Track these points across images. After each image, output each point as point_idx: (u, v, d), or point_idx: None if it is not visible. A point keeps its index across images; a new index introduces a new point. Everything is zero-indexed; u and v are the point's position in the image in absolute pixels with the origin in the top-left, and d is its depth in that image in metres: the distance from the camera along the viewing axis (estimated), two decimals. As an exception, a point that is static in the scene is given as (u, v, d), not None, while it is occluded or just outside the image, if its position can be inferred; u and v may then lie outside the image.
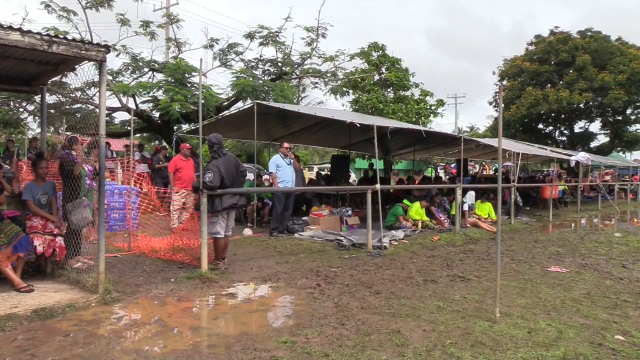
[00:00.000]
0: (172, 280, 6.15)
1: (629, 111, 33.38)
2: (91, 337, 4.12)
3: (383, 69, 23.09)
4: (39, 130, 8.82)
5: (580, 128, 35.83)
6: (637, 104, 32.34)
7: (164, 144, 17.27)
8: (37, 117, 15.14)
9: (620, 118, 33.49)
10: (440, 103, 23.79)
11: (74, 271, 5.82)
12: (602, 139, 36.14)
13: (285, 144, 10.51)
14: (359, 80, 21.97)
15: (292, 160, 10.30)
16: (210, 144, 6.86)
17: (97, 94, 5.63)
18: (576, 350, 3.99)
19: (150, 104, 16.28)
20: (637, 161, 33.15)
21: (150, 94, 15.74)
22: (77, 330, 4.29)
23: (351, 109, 22.40)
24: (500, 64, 36.16)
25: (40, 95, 6.70)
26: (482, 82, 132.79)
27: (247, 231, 10.27)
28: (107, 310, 4.88)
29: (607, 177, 27.02)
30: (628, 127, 34.17)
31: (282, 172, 10.04)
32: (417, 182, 18.83)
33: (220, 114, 14.22)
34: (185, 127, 16.38)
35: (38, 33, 4.64)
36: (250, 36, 17.18)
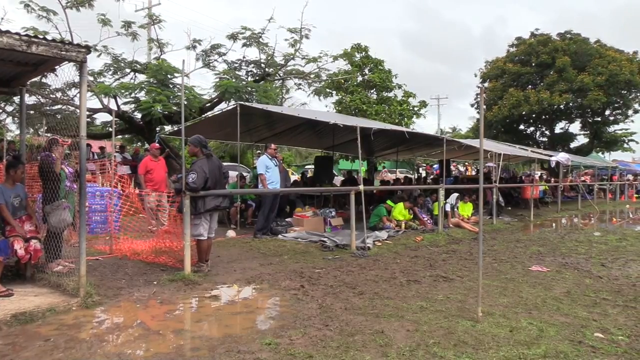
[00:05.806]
0: (155, 282, 6.10)
1: (607, 112, 34.03)
2: (72, 342, 4.06)
3: (366, 70, 23.23)
4: (18, 132, 8.66)
5: (560, 129, 36.44)
6: (616, 105, 32.96)
7: (147, 145, 17.08)
8: (16, 119, 14.87)
9: (599, 119, 34.09)
10: (423, 104, 24.00)
11: (54, 275, 5.73)
12: (582, 140, 36.80)
13: (273, 145, 10.47)
14: (342, 81, 22.05)
15: (279, 162, 10.30)
16: (197, 145, 6.77)
17: (78, 95, 5.55)
18: (557, 348, 4.05)
19: (132, 105, 16.11)
20: (616, 161, 33.75)
21: (132, 95, 15.56)
22: (57, 334, 4.22)
23: (335, 110, 22.48)
24: (482, 65, 36.73)
25: (19, 96, 6.58)
26: (459, 84, 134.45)
27: (231, 233, 10.22)
28: (88, 314, 4.82)
29: (586, 178, 27.46)
30: (607, 127, 34.82)
31: (270, 173, 9.99)
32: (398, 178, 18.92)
33: (203, 115, 14.14)
34: (167, 128, 16.25)
35: (17, 33, 4.56)
36: (233, 37, 17.11)
